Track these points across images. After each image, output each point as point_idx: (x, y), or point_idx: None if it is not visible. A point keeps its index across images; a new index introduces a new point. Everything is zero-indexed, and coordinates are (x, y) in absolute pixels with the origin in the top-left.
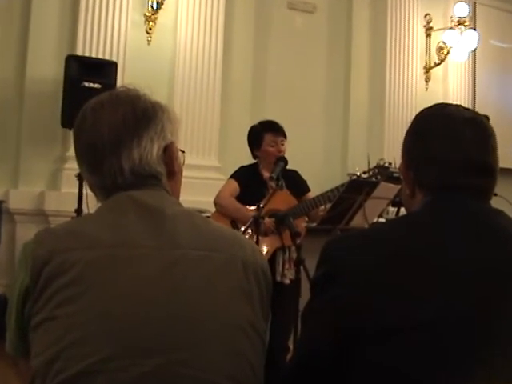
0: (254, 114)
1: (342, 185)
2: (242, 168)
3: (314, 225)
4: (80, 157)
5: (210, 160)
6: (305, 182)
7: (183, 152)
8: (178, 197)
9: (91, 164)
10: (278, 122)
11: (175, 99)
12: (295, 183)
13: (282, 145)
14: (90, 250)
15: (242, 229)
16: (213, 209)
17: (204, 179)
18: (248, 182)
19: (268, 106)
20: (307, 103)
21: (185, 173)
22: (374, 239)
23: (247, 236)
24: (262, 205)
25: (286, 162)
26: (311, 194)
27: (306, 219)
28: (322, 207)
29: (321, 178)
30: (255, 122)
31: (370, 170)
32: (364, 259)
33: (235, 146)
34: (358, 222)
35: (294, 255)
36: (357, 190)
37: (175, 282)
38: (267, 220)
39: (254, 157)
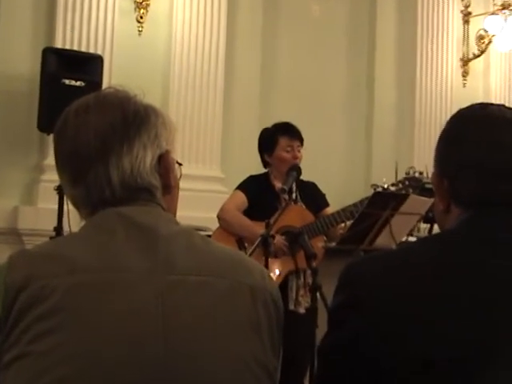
0: (263, 117)
1: (366, 198)
2: (251, 178)
3: (333, 245)
4: (61, 166)
5: (212, 170)
6: (323, 195)
7: (180, 164)
8: (174, 214)
9: (74, 174)
10: None
11: (171, 100)
12: (312, 196)
13: (299, 151)
14: (72, 276)
15: (250, 249)
16: (214, 226)
17: (205, 192)
18: (257, 194)
19: (279, 107)
20: (325, 105)
21: (182, 184)
22: (402, 261)
23: (255, 258)
24: (272, 221)
25: (299, 171)
26: (330, 210)
27: (324, 238)
28: (343, 224)
29: (341, 191)
30: (263, 126)
31: (398, 181)
32: (390, 284)
33: (240, 154)
34: (383, 241)
35: (310, 280)
36: (382, 204)
37: (169, 313)
38: (278, 239)
39: (265, 165)
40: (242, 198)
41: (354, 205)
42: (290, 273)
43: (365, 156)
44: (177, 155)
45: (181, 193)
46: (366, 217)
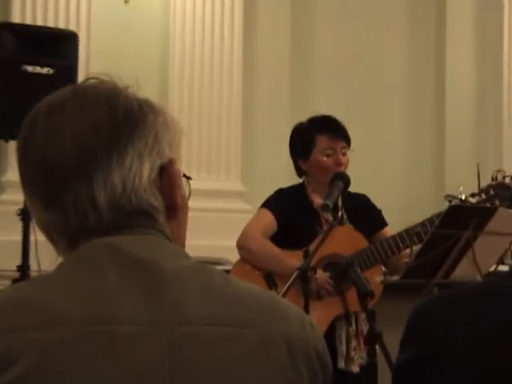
0: (295, 113)
1: (438, 215)
2: (281, 192)
3: (396, 279)
4: (27, 183)
5: (230, 183)
6: (379, 211)
7: (189, 178)
8: (183, 244)
9: (46, 194)
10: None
11: (171, 92)
12: (364, 214)
13: (344, 154)
14: (49, 330)
15: (283, 288)
16: (234, 258)
17: (221, 212)
18: (290, 214)
19: (316, 100)
20: (380, 93)
21: (192, 203)
22: (491, 300)
23: (290, 299)
24: (312, 249)
25: (346, 181)
26: (389, 231)
27: (383, 270)
28: (407, 251)
29: (404, 205)
30: (295, 124)
31: (480, 189)
32: (477, 331)
33: (266, 161)
34: (464, 272)
35: (365, 327)
36: (461, 221)
37: (179, 377)
38: (321, 273)
39: (300, 173)
40: (269, 220)
41: (422, 224)
42: (338, 318)
43: (435, 158)
44: (184, 166)
45: (190, 215)
46: (439, 239)
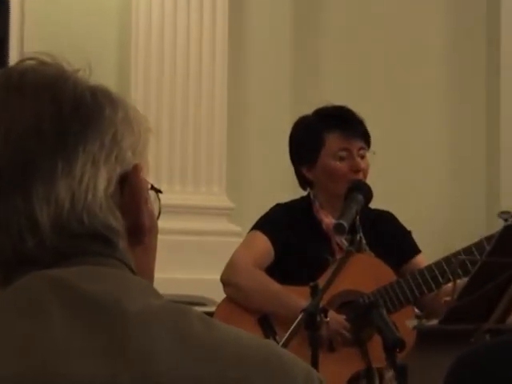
0: (297, 107)
1: (490, 237)
2: (279, 209)
3: (434, 323)
4: None
5: (213, 197)
6: (409, 234)
7: (158, 192)
8: (151, 277)
9: None
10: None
11: (134, 81)
12: (390, 238)
13: (362, 157)
14: None
15: (284, 336)
16: (219, 295)
17: (202, 235)
18: (292, 238)
19: (324, 89)
20: (411, 81)
21: (163, 224)
22: None
23: (294, 351)
24: (322, 284)
25: (368, 193)
26: (423, 260)
27: (416, 312)
28: (449, 286)
29: (443, 227)
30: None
31: None
32: None
33: (259, 169)
34: None
35: None
36: None
37: None
38: (335, 316)
39: (304, 184)
40: (265, 246)
41: (468, 250)
42: (357, 377)
43: (486, 165)
44: (152, 175)
45: (161, 239)
46: (491, 271)
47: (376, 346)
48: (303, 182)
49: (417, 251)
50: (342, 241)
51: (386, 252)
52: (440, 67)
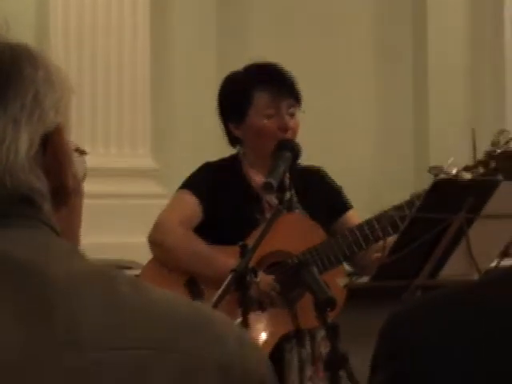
0: (224, 61)
1: (420, 194)
2: (206, 168)
3: (365, 280)
4: None
5: (137, 158)
6: (340, 190)
7: (83, 153)
8: (76, 240)
9: None
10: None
11: (53, 37)
12: (320, 195)
13: (292, 115)
14: None
15: (213, 297)
16: (146, 258)
17: (127, 197)
18: (220, 197)
19: (254, 45)
20: (342, 39)
21: (89, 187)
22: (485, 310)
23: (224, 311)
24: (251, 244)
25: (296, 150)
26: (354, 217)
27: (347, 268)
28: (379, 243)
29: (373, 183)
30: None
31: (477, 161)
32: (465, 357)
33: (185, 129)
34: (456, 269)
35: (325, 349)
36: (451, 202)
37: None
38: (264, 276)
39: (232, 142)
40: (192, 205)
41: (399, 207)
42: (287, 338)
43: (415, 121)
44: (74, 137)
45: (86, 202)
46: (421, 227)
47: (306, 306)
48: (231, 140)
49: (348, 208)
50: (273, 200)
51: (318, 209)
52: (368, 25)
